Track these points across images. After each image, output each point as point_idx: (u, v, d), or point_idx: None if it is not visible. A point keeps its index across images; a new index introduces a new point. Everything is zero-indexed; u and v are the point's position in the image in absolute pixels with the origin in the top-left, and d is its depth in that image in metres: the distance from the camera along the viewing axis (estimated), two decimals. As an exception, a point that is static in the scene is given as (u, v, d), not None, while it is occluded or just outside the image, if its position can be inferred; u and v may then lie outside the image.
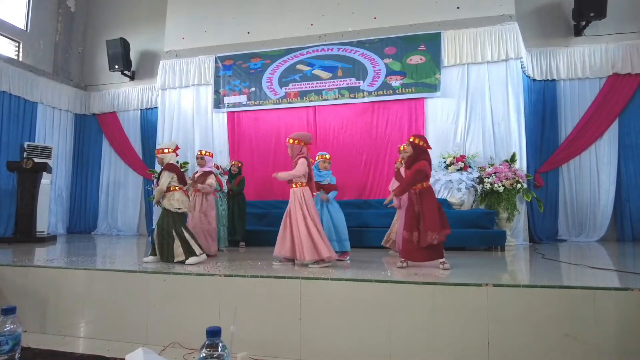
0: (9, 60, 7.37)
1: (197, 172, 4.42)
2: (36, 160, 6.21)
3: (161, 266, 3.24)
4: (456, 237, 4.77)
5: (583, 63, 6.33)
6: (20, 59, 7.84)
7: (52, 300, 2.99)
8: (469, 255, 4.29)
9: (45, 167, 6.22)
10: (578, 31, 6.41)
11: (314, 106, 6.83)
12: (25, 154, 7.08)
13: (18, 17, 7.96)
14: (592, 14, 6.01)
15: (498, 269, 3.43)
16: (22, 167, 5.96)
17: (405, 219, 3.31)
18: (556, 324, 2.16)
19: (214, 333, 1.41)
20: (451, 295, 2.33)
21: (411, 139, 3.27)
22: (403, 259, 3.23)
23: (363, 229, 5.20)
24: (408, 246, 3.19)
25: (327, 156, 4.13)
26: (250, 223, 5.73)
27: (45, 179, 6.70)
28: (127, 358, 2.04)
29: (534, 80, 6.53)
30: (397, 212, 4.32)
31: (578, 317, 2.14)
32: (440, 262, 3.13)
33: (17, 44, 7.91)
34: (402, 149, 3.46)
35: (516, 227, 5.82)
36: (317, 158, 4.10)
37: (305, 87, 6.83)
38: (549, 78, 6.49)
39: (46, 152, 7.49)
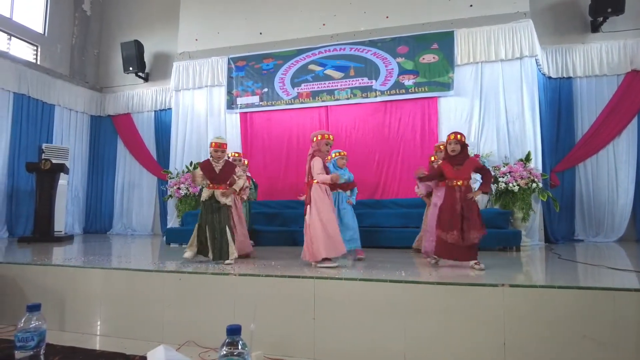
0: (27, 63, 7.55)
1: None
2: (54, 161, 6.34)
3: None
4: (470, 237, 4.75)
5: (600, 60, 6.21)
6: (39, 63, 8.02)
7: (70, 298, 3.05)
8: (484, 255, 4.22)
9: (63, 168, 6.34)
10: (595, 27, 6.29)
11: (326, 106, 6.83)
12: (43, 155, 7.23)
13: (36, 22, 8.15)
14: (609, 10, 5.90)
15: (513, 269, 3.39)
16: (40, 168, 6.09)
17: (444, 216, 3.22)
18: (574, 326, 2.12)
19: (234, 331, 1.42)
20: (466, 295, 2.31)
21: (458, 137, 3.24)
22: (436, 256, 3.20)
23: (376, 229, 5.18)
24: (444, 244, 3.16)
25: (344, 153, 4.11)
26: (262, 223, 5.76)
27: (63, 180, 6.84)
28: (149, 355, 2.07)
29: (550, 78, 6.43)
30: (427, 212, 4.33)
31: (597, 319, 2.10)
32: (475, 263, 3.08)
33: (35, 48, 8.10)
34: (442, 147, 3.45)
35: (531, 227, 5.73)
36: (333, 155, 4.08)
37: (318, 87, 6.84)
38: (564, 76, 6.38)
39: (63, 153, 7.64)
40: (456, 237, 3.09)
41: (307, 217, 3.36)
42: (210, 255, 3.47)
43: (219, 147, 3.61)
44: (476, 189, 3.29)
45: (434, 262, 3.26)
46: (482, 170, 3.29)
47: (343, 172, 4.01)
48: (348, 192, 3.99)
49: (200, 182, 3.65)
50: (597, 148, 6.17)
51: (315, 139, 3.48)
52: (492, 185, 5.57)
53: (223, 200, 3.54)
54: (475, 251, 3.13)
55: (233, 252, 3.46)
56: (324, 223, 3.27)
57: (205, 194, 3.58)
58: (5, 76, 7.03)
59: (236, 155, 4.90)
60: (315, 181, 3.39)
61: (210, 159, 3.65)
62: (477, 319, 2.25)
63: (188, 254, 3.51)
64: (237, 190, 3.68)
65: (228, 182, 3.64)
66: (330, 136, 3.51)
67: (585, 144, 6.22)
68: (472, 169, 3.22)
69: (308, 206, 3.37)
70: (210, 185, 3.58)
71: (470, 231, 3.07)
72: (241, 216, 4.31)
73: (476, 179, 5.59)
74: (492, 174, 3.15)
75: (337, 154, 4.10)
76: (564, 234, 6.19)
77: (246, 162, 5.34)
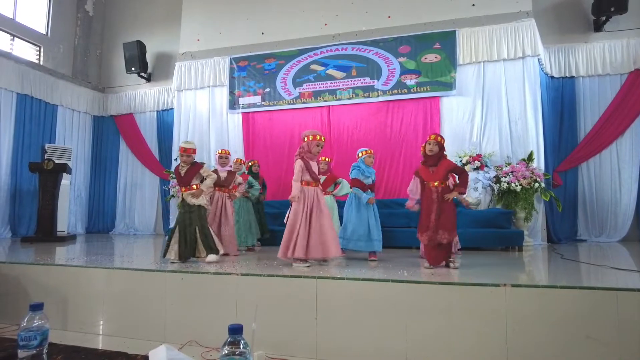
0: (30, 64, 7.58)
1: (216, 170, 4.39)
2: (56, 161, 6.35)
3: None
4: (473, 237, 4.74)
5: (603, 59, 6.18)
6: (41, 63, 8.05)
7: (73, 297, 3.05)
8: (486, 255, 4.23)
9: (65, 168, 6.36)
10: (598, 27, 6.27)
11: (328, 106, 6.83)
12: (46, 156, 7.25)
13: (39, 23, 8.18)
14: (612, 9, 5.88)
15: (516, 269, 3.38)
16: (43, 168, 6.10)
17: (421, 218, 3.25)
18: (577, 326, 2.11)
19: (236, 330, 1.41)
20: (468, 295, 2.30)
21: (438, 138, 3.24)
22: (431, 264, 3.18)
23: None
24: (426, 249, 3.17)
25: (371, 151, 3.97)
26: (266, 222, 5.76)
27: (65, 180, 6.85)
28: (150, 354, 2.07)
29: (552, 77, 6.41)
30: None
31: (600, 319, 2.10)
32: (450, 261, 3.12)
33: (38, 49, 8.13)
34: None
35: (534, 227, 5.72)
36: (360, 154, 3.95)
37: (319, 87, 6.84)
38: (567, 75, 6.36)
39: (66, 153, 7.66)
40: (427, 238, 3.12)
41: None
42: (173, 255, 3.45)
43: (184, 152, 3.65)
44: (479, 189, 3.27)
45: (428, 267, 3.19)
46: (458, 170, 3.29)
47: (371, 171, 3.92)
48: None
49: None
50: (600, 148, 6.15)
51: (306, 139, 3.41)
52: (494, 185, 5.57)
53: (192, 201, 3.58)
54: (448, 251, 3.14)
55: (219, 248, 3.54)
56: (314, 224, 3.33)
57: (180, 198, 3.67)
58: (8, 77, 7.05)
59: (239, 160, 4.92)
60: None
61: (179, 162, 3.73)
62: (480, 319, 2.24)
63: (172, 254, 3.51)
64: (205, 190, 3.66)
65: (194, 184, 3.66)
66: (322, 137, 3.45)
67: (588, 144, 6.20)
68: (446, 170, 3.21)
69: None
70: (180, 188, 3.66)
71: (438, 231, 3.08)
72: (229, 215, 4.27)
73: (478, 179, 5.61)
74: (468, 174, 3.15)
75: (365, 152, 3.92)
76: (567, 234, 6.17)
77: (251, 163, 5.33)
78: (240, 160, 4.97)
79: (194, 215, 3.57)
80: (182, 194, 3.64)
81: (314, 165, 3.49)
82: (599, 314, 2.10)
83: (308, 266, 3.19)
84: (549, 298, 2.18)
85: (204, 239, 3.53)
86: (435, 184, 3.20)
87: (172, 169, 7.22)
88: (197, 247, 3.53)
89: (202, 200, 3.62)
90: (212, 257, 3.46)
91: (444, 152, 3.28)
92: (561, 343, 2.12)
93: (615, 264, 3.27)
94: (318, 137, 3.42)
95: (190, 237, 3.51)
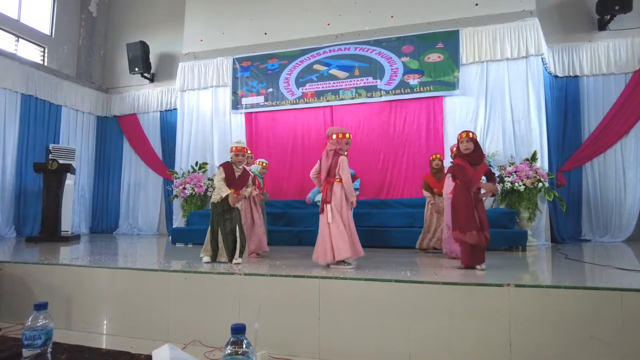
0: (34, 65, 7.62)
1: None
2: (60, 161, 6.39)
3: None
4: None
5: (607, 58, 6.15)
6: (46, 64, 8.09)
7: (77, 297, 3.07)
8: (489, 255, 4.18)
9: (69, 169, 6.38)
10: (602, 25, 6.24)
11: (331, 106, 6.83)
12: (50, 156, 7.29)
13: (43, 24, 8.22)
14: (617, 7, 5.85)
15: (519, 269, 3.37)
16: (47, 168, 6.13)
17: (461, 216, 3.10)
18: (581, 326, 2.10)
19: (238, 330, 1.42)
20: (472, 295, 2.29)
21: (470, 135, 3.16)
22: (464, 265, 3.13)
23: (381, 229, 5.17)
24: (468, 250, 3.09)
25: None
26: (268, 223, 5.76)
27: (69, 180, 6.89)
28: (154, 353, 2.08)
29: (556, 76, 6.38)
30: (429, 213, 4.35)
31: (604, 320, 2.08)
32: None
33: (42, 49, 8.18)
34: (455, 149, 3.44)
35: (537, 227, 5.70)
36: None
37: (322, 87, 6.84)
38: (571, 74, 6.33)
39: (70, 153, 7.70)
40: (475, 237, 3.00)
41: (326, 216, 3.22)
42: (224, 257, 3.42)
43: (240, 151, 3.56)
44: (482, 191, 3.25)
45: (481, 269, 3.08)
46: (490, 172, 3.26)
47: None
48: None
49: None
50: (604, 147, 6.12)
51: (335, 136, 3.33)
52: (498, 185, 5.56)
53: (236, 204, 3.53)
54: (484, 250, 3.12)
55: (244, 251, 3.50)
56: (346, 223, 3.22)
57: (216, 197, 3.50)
58: (13, 77, 7.09)
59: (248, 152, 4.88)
60: (337, 179, 3.28)
61: (231, 162, 3.60)
62: (483, 319, 2.23)
63: (206, 258, 3.47)
64: (247, 196, 3.67)
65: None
66: (350, 135, 3.40)
67: (592, 143, 6.17)
68: (486, 171, 3.19)
69: (328, 205, 3.24)
70: (231, 190, 3.50)
71: (485, 231, 3.03)
72: (261, 216, 4.29)
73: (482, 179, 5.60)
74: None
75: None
76: (571, 234, 6.15)
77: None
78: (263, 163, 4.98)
79: (235, 218, 3.52)
80: (227, 195, 3.45)
81: None
82: (603, 314, 2.09)
83: (353, 267, 3.11)
84: (552, 298, 2.17)
85: (241, 242, 3.47)
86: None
87: (177, 169, 7.30)
88: (236, 246, 3.45)
89: (240, 204, 3.61)
90: (240, 260, 3.41)
91: (482, 150, 3.22)
92: (565, 343, 2.11)
93: (619, 264, 3.25)
94: (348, 136, 3.36)
95: (232, 238, 3.45)
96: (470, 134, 3.18)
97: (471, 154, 3.15)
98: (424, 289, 2.39)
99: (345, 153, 3.43)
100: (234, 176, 3.55)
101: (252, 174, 3.91)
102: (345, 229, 3.18)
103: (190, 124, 7.62)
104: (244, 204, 4.03)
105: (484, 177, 3.19)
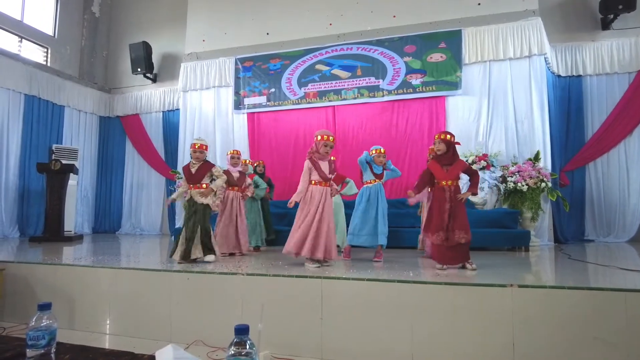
0: (38, 65, 7.65)
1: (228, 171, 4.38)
2: (63, 161, 6.40)
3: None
4: (479, 237, 4.71)
5: (611, 58, 6.13)
6: (49, 64, 8.12)
7: (80, 297, 3.08)
8: (492, 255, 4.21)
9: (72, 169, 6.40)
10: (605, 25, 6.21)
11: (333, 106, 6.83)
12: (53, 156, 7.31)
13: (46, 24, 8.25)
14: (620, 7, 5.84)
15: (522, 269, 3.36)
16: (50, 168, 6.16)
17: (432, 218, 3.18)
18: (585, 327, 2.09)
19: (242, 330, 1.41)
20: (474, 296, 2.29)
21: (442, 136, 3.19)
22: (442, 265, 3.13)
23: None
24: (438, 249, 3.12)
25: (381, 150, 3.94)
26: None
27: (72, 180, 6.90)
28: (157, 353, 2.08)
29: (559, 76, 6.36)
30: (423, 211, 4.35)
31: (608, 320, 2.08)
32: (468, 262, 3.07)
33: (45, 50, 8.21)
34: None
35: (540, 227, 5.68)
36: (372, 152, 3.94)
37: (325, 87, 6.84)
38: (574, 74, 6.31)
39: (73, 153, 7.72)
40: (442, 238, 3.06)
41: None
42: (178, 256, 3.41)
43: (197, 148, 3.64)
44: (485, 188, 3.25)
45: (440, 268, 3.18)
46: (470, 171, 3.26)
47: (378, 168, 3.89)
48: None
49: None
50: (607, 147, 6.10)
51: (315, 138, 3.43)
52: (501, 185, 5.55)
53: (200, 200, 3.57)
54: (466, 252, 3.09)
55: (214, 248, 3.52)
56: (309, 222, 3.37)
57: (187, 196, 3.64)
58: (16, 78, 7.12)
59: (245, 161, 4.93)
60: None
61: (190, 160, 3.71)
62: (486, 319, 2.23)
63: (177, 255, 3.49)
64: (214, 190, 3.66)
65: (204, 183, 3.66)
66: (330, 137, 3.39)
67: (596, 143, 6.14)
68: (461, 170, 3.19)
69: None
70: (189, 185, 3.64)
71: (454, 231, 3.03)
72: (242, 215, 4.30)
73: (484, 179, 5.58)
74: (480, 175, 3.12)
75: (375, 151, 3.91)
76: (574, 234, 6.13)
77: (256, 163, 5.33)
78: (246, 161, 4.98)
79: (199, 214, 3.55)
80: (190, 192, 3.61)
81: (324, 165, 3.46)
82: (607, 315, 2.08)
83: (319, 266, 3.17)
84: (556, 299, 2.16)
85: (203, 238, 3.49)
86: (449, 182, 3.15)
87: (179, 169, 7.30)
88: (194, 246, 3.45)
89: (209, 200, 3.61)
90: (211, 257, 3.46)
91: (456, 150, 3.23)
92: (568, 344, 2.10)
93: (623, 265, 3.24)
94: (326, 137, 3.37)
95: (191, 235, 3.47)
96: (444, 135, 3.20)
97: (442, 155, 3.20)
98: (426, 289, 2.39)
99: (325, 155, 3.45)
100: (190, 173, 3.66)
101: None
102: (305, 228, 3.34)
103: (192, 124, 7.64)
104: (233, 203, 4.18)
105: (463, 176, 3.21)
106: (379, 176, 3.87)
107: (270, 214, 5.34)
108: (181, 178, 6.95)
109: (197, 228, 3.50)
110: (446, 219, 3.09)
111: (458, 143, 3.26)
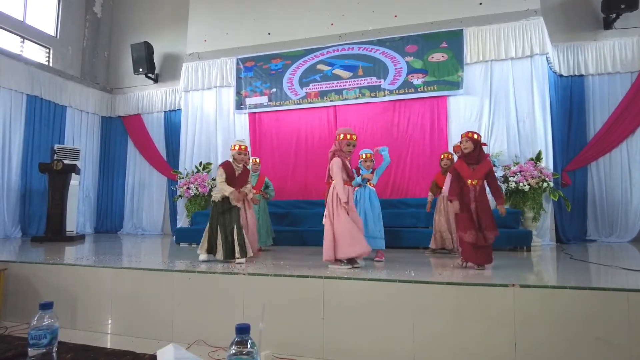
0: (40, 65, 7.66)
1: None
2: (65, 161, 6.42)
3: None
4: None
5: (613, 57, 6.11)
6: (51, 65, 8.14)
7: (82, 297, 3.09)
8: (494, 255, 4.17)
9: (74, 169, 6.42)
10: (608, 24, 6.19)
11: (335, 106, 6.82)
12: (55, 156, 7.33)
13: (48, 25, 8.27)
14: (622, 6, 5.81)
15: (524, 269, 3.35)
16: (52, 168, 6.17)
17: (461, 216, 3.18)
18: (587, 327, 2.09)
19: (243, 330, 1.41)
20: (476, 296, 2.29)
21: (469, 135, 3.22)
22: (464, 261, 3.18)
23: (384, 229, 5.13)
24: (470, 248, 3.12)
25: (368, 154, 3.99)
26: (272, 223, 5.76)
27: (74, 180, 6.92)
28: (158, 353, 2.09)
29: (561, 76, 6.34)
30: (438, 211, 4.37)
31: (610, 320, 2.07)
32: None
33: (47, 50, 8.22)
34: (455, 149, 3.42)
35: (542, 227, 5.67)
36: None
37: (326, 87, 6.84)
38: (576, 73, 6.29)
39: (75, 154, 7.74)
40: (474, 237, 3.07)
41: (324, 216, 3.23)
42: (221, 255, 3.47)
43: (243, 150, 3.62)
44: (486, 188, 3.26)
45: (462, 265, 3.22)
46: (491, 176, 3.23)
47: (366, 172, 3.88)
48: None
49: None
50: (609, 147, 6.07)
51: (337, 137, 3.37)
52: (502, 185, 5.54)
53: (235, 202, 3.55)
54: (491, 250, 3.13)
55: (248, 250, 3.51)
56: (345, 224, 3.16)
57: (217, 195, 3.56)
58: (18, 78, 7.14)
59: (255, 161, 4.96)
60: (331, 181, 3.31)
61: (232, 161, 3.66)
62: (488, 319, 2.23)
63: (203, 256, 3.54)
64: (248, 193, 3.71)
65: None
66: (354, 136, 3.36)
67: (598, 143, 6.13)
68: (487, 170, 3.19)
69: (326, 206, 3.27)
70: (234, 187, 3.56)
71: (486, 231, 3.06)
72: (252, 218, 4.31)
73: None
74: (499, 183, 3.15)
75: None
76: (576, 234, 6.11)
77: (257, 160, 5.29)
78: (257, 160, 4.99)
79: (234, 214, 3.55)
80: (230, 193, 3.50)
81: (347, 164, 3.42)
82: (609, 315, 2.08)
83: (358, 266, 3.11)
84: (558, 299, 2.16)
85: (240, 240, 3.49)
86: (474, 182, 3.16)
87: (181, 169, 7.31)
88: (237, 245, 3.46)
89: (240, 202, 3.63)
90: (243, 260, 3.45)
91: (483, 150, 3.26)
92: (570, 344, 2.10)
93: (625, 265, 3.23)
94: (349, 136, 3.33)
95: (229, 237, 3.48)
96: (471, 134, 3.24)
97: (469, 154, 3.22)
98: (428, 289, 2.39)
99: (349, 154, 3.40)
100: (234, 175, 3.59)
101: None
102: (345, 230, 3.11)
103: (194, 124, 7.64)
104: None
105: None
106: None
107: (269, 214, 5.29)
108: (183, 178, 6.99)
109: (233, 227, 3.50)
110: (475, 219, 3.10)
111: (485, 144, 3.29)
